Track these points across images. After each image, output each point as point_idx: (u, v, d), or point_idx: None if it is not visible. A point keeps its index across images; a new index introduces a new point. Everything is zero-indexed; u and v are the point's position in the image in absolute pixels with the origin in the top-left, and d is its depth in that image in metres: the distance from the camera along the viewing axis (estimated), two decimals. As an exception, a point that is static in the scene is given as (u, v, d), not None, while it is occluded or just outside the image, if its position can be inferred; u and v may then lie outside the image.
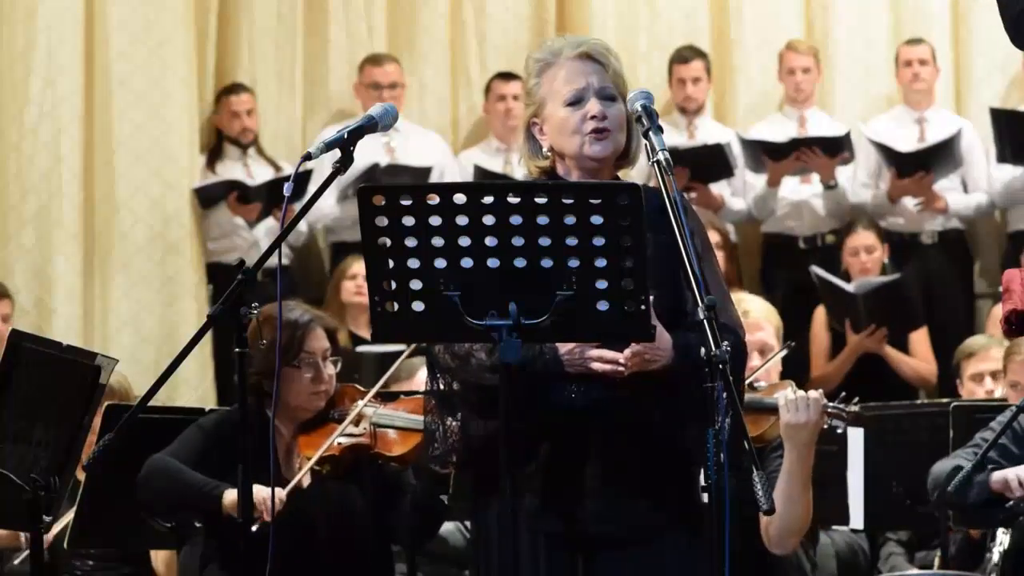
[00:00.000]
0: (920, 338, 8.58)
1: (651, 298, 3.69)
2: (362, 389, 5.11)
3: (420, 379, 5.91)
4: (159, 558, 6.03)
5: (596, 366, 3.81)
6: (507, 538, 3.63)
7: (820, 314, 8.63)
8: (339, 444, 4.90)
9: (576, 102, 3.90)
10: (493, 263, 3.56)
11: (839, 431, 4.96)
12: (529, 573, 3.83)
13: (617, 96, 3.93)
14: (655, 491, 3.85)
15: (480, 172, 9.05)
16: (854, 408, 4.79)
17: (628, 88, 3.95)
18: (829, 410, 4.72)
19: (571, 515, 3.84)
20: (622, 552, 3.85)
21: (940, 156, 8.96)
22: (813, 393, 4.63)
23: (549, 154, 3.95)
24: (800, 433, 4.59)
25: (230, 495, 4.74)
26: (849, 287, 8.42)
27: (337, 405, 5.02)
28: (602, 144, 3.90)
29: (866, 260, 8.65)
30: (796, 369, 7.26)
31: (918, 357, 8.54)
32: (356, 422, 4.92)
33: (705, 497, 3.58)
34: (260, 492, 4.58)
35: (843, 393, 5.01)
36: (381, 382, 5.13)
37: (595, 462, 3.84)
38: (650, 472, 3.84)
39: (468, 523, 6.64)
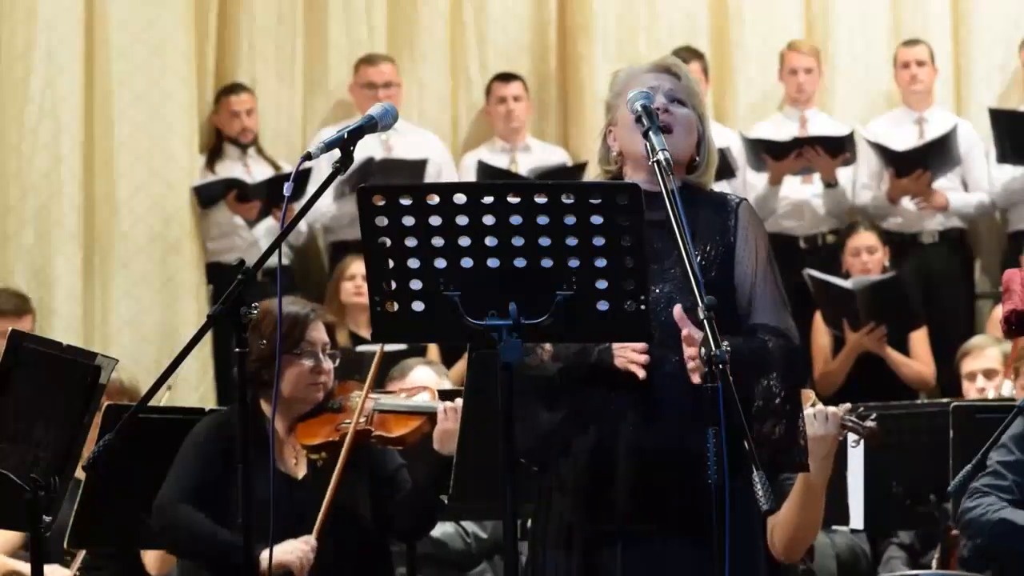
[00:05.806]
0: (919, 339, 8.57)
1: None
2: (360, 382, 5.10)
3: (413, 378, 5.94)
4: (149, 557, 6.03)
5: (618, 360, 3.79)
6: (511, 539, 3.62)
7: (820, 316, 8.63)
8: (339, 430, 4.90)
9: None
10: (493, 263, 3.56)
11: (853, 446, 4.94)
12: (564, 567, 3.86)
13: (688, 105, 3.95)
14: (691, 486, 3.79)
15: (484, 168, 9.04)
16: (871, 424, 4.77)
17: (703, 108, 3.99)
18: (846, 423, 4.70)
19: (607, 509, 3.84)
20: (658, 546, 3.84)
21: (937, 153, 8.95)
22: (832, 407, 4.61)
23: (618, 157, 3.99)
24: (819, 446, 4.57)
25: (263, 559, 4.58)
26: (846, 284, 8.42)
27: (335, 396, 5.02)
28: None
29: (867, 260, 8.64)
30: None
31: (917, 358, 8.53)
32: (360, 414, 4.91)
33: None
34: (289, 549, 4.63)
35: (861, 408, 5.00)
36: (373, 369, 5.06)
37: (633, 461, 3.83)
38: (687, 469, 3.80)
39: (467, 525, 6.66)
